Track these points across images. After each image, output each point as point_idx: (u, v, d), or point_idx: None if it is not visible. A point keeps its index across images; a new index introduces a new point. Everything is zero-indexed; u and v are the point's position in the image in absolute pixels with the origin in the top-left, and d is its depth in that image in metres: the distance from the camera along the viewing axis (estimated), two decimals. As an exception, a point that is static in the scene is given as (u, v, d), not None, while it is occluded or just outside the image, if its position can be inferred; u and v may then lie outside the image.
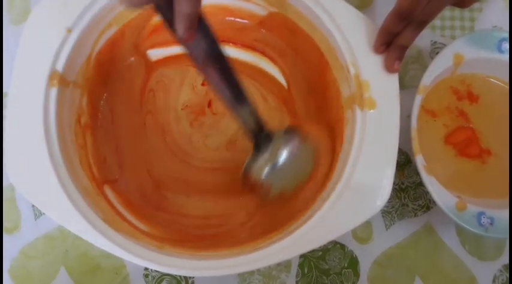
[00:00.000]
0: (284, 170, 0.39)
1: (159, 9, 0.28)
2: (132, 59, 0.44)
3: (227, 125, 0.44)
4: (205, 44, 0.31)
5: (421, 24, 0.33)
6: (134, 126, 0.44)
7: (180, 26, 0.28)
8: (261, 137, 0.38)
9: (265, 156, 0.38)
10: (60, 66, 0.36)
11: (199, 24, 0.29)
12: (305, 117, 0.44)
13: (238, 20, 0.45)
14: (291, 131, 0.40)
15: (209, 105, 0.44)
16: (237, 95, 0.34)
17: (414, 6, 0.32)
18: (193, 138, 0.44)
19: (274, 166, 0.38)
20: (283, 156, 0.38)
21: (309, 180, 0.39)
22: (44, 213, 0.44)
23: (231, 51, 0.45)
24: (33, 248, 0.43)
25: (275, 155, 0.38)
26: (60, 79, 0.36)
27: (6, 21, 0.48)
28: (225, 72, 0.33)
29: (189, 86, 0.45)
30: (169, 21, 0.28)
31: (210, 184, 0.43)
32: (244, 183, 0.40)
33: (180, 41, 0.30)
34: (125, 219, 0.37)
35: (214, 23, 0.30)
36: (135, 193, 0.41)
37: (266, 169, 0.38)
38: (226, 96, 0.34)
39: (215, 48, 0.31)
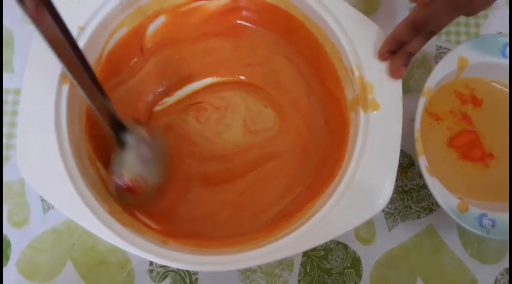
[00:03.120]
0: (153, 155, 0.39)
1: None
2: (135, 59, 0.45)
3: (233, 118, 0.45)
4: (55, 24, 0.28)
5: (431, 34, 0.34)
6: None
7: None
8: (122, 133, 0.37)
9: (131, 150, 0.38)
10: (72, 63, 0.37)
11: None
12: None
13: (239, 21, 0.46)
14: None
15: None
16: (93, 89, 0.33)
17: (429, 18, 0.32)
18: (207, 134, 0.45)
19: (145, 154, 0.38)
20: (147, 141, 0.39)
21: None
22: (52, 207, 0.45)
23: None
24: (41, 241, 0.44)
25: (140, 144, 0.38)
26: (72, 77, 0.37)
27: (19, 21, 0.50)
28: (80, 60, 0.30)
29: None
30: None
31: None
32: (119, 188, 0.38)
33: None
34: (131, 214, 0.38)
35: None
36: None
37: (139, 161, 0.38)
38: (84, 87, 0.32)
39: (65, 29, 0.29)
